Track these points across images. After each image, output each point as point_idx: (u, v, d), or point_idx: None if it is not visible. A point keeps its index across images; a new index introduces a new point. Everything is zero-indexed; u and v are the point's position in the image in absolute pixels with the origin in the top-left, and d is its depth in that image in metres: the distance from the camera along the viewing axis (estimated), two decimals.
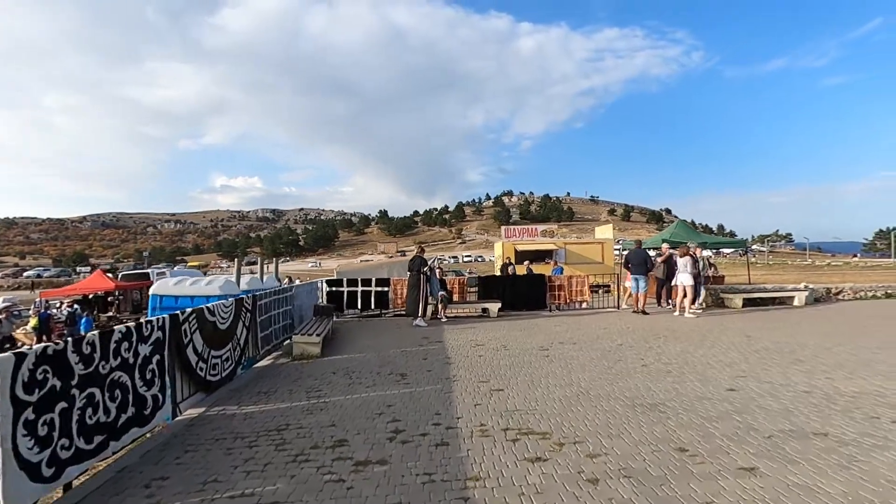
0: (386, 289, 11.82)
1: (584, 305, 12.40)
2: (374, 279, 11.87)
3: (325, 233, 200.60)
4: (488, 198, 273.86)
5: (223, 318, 5.79)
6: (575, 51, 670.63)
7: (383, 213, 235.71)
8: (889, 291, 12.94)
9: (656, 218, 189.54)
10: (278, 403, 4.97)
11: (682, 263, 10.45)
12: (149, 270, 22.82)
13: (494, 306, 11.35)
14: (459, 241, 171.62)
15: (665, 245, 12.31)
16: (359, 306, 11.76)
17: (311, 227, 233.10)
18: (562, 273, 13.21)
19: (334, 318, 11.44)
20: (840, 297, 12.81)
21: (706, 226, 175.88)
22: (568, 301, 12.28)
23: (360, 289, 11.78)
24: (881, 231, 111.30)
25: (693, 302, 10.92)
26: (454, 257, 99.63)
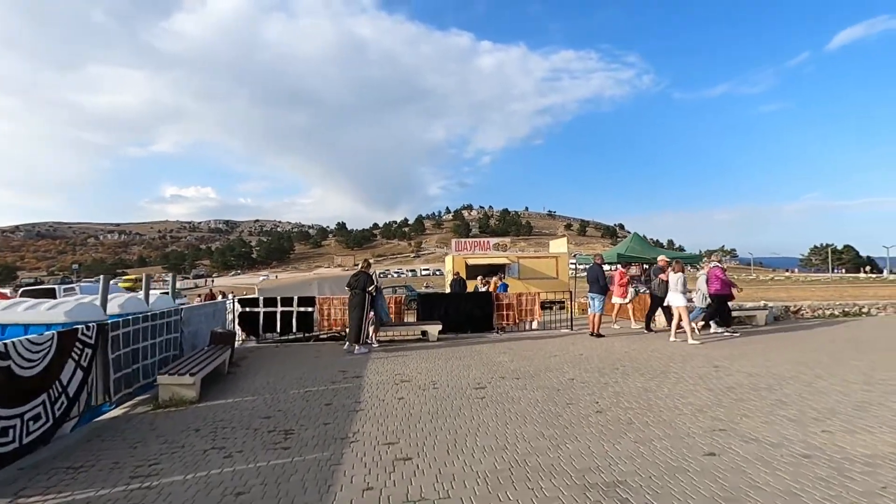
0: (311, 309, 10.26)
1: (534, 326, 11.25)
2: (296, 298, 10.29)
3: (280, 245, 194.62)
4: (448, 211, 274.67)
5: (29, 361, 4.15)
6: (533, 70, 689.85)
7: (341, 226, 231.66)
8: (846, 310, 12.48)
9: (610, 233, 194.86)
10: (78, 491, 3.39)
11: (674, 281, 9.17)
12: (55, 287, 20.10)
13: (434, 329, 10.01)
14: (414, 254, 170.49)
15: (662, 258, 11.04)
16: (278, 330, 10.14)
17: (266, 239, 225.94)
18: (506, 290, 12.02)
19: (252, 344, 9.85)
20: (799, 315, 12.23)
21: (657, 241, 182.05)
22: (517, 321, 11.09)
23: (279, 309, 10.16)
24: (816, 247, 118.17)
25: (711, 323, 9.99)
26: (412, 271, 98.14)
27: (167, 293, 9.21)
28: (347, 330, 9.28)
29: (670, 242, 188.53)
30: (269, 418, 4.92)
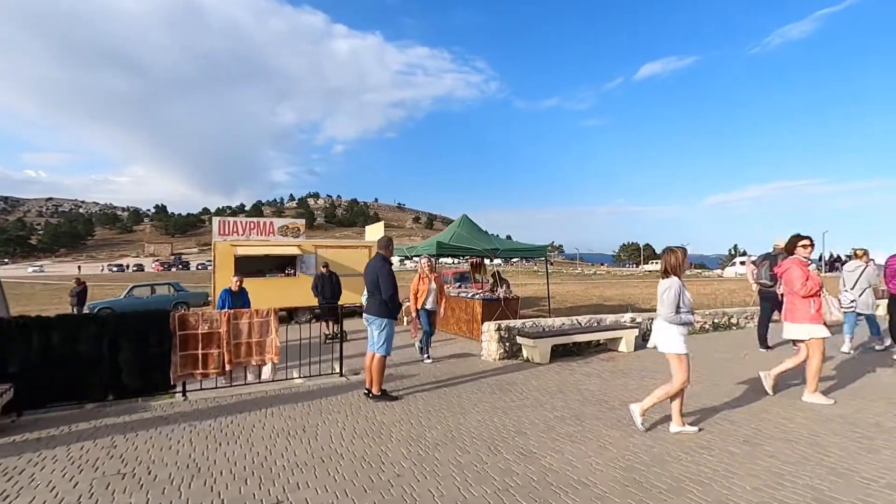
0: None
1: (265, 374, 5.97)
2: None
3: (72, 229, 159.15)
4: (292, 198, 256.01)
5: None
6: (389, 63, 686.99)
7: (161, 209, 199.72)
8: (716, 320, 9.63)
9: None
10: None
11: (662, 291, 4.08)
12: None
13: None
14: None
15: (780, 240, 6.62)
16: None
17: (57, 222, 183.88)
18: (244, 305, 6.56)
19: None
20: None
21: (497, 235, 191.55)
22: (228, 366, 5.67)
23: None
24: (624, 245, 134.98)
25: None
26: None
27: None
28: None
29: (509, 237, 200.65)
30: None
